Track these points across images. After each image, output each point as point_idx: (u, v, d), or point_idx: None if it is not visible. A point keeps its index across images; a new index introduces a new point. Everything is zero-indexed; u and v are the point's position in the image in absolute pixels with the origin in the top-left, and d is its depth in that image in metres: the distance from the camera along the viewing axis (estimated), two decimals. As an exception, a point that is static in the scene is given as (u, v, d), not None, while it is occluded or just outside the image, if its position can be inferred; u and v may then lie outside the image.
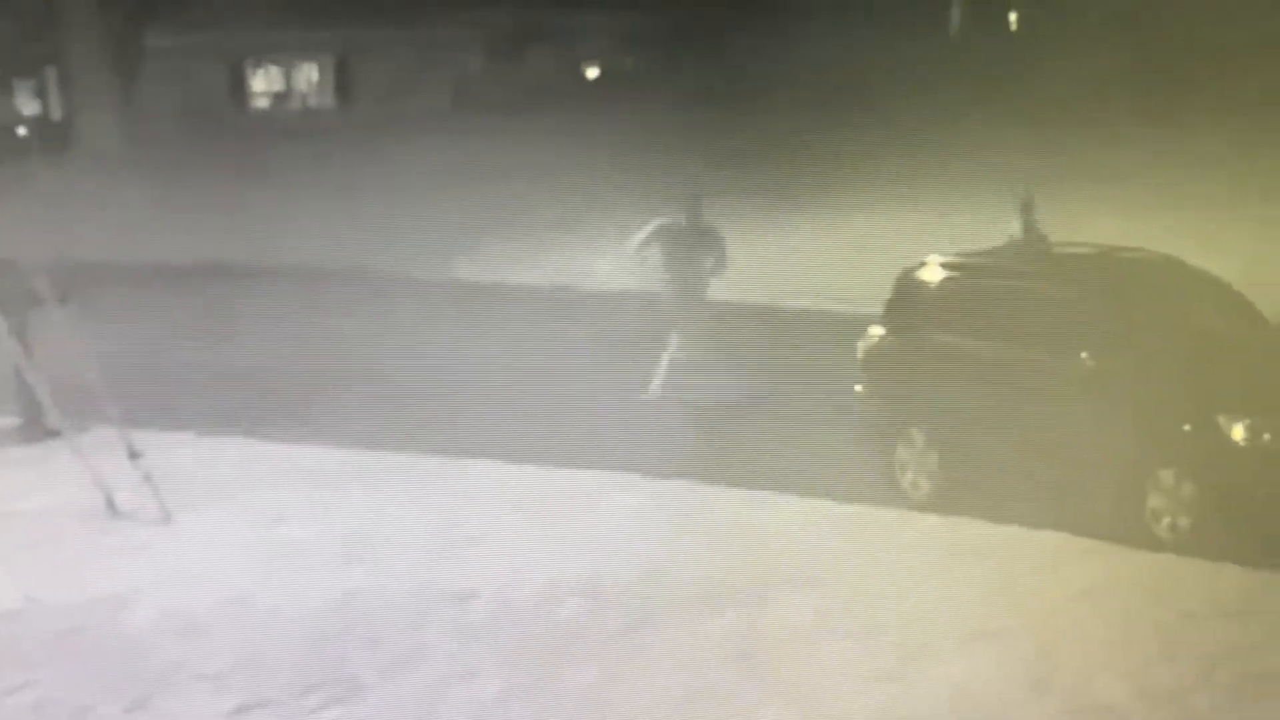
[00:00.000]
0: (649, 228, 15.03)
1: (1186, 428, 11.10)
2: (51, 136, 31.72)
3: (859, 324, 13.29)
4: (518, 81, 33.51)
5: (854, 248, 19.66)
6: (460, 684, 8.94)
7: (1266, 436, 10.91)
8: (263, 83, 38.18)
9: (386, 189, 24.84)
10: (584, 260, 20.25)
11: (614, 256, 20.43)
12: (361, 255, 20.76)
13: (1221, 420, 10.99)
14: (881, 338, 12.89)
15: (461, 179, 25.09)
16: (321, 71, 37.90)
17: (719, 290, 18.27)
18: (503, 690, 8.85)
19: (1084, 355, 11.53)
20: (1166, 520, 11.05)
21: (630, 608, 9.83)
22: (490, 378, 14.80)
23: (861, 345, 12.98)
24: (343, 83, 37.61)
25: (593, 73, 35.05)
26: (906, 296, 12.85)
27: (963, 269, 12.66)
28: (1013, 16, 30.06)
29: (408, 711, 8.70)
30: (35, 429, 13.36)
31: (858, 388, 12.86)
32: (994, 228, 15.33)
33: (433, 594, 10.13)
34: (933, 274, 12.73)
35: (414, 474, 12.43)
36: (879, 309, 13.07)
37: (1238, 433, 10.95)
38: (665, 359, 14.82)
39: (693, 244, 15.08)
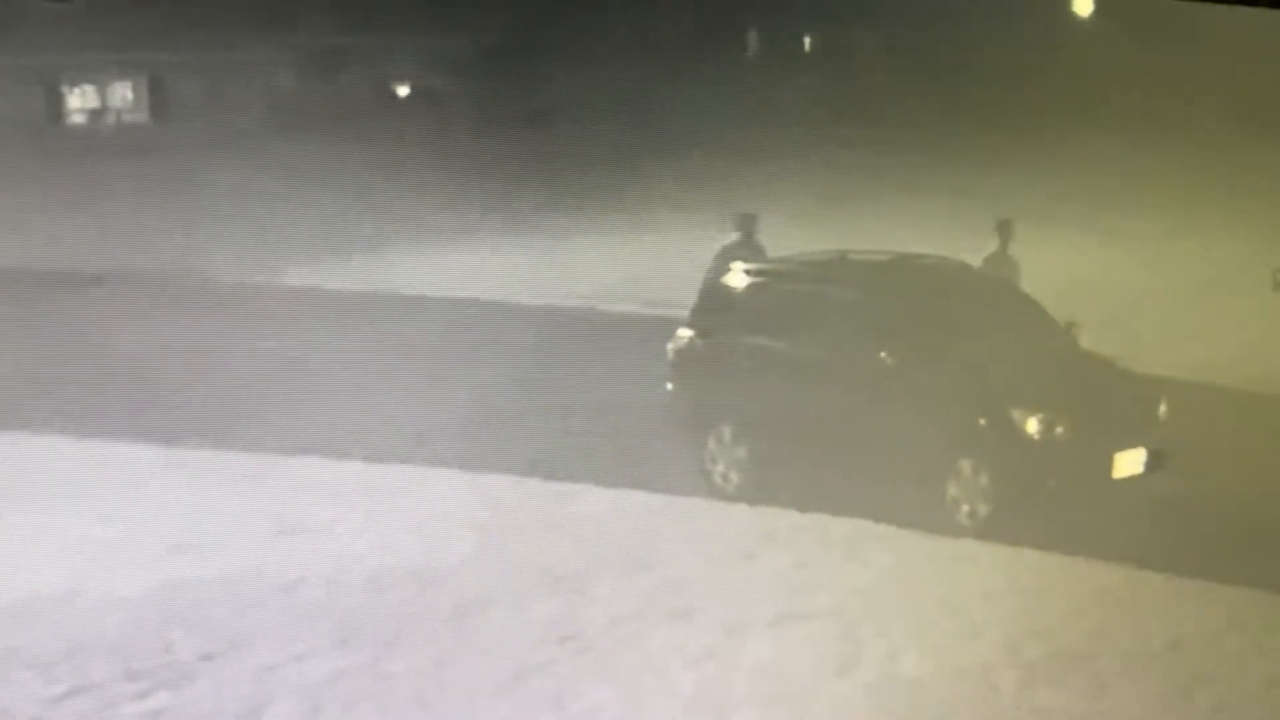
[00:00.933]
0: (717, 253, 14.18)
1: (982, 421, 11.21)
2: None
3: (669, 326, 13.15)
4: (329, 101, 32.97)
5: (664, 256, 19.75)
6: (289, 668, 8.66)
7: (1059, 429, 11.08)
8: (79, 101, 36.99)
9: (205, 201, 24.19)
10: (402, 268, 19.95)
11: (429, 264, 20.21)
12: (185, 263, 20.15)
13: (1015, 414, 11.12)
14: (690, 339, 12.82)
15: (276, 193, 24.54)
16: (136, 90, 36.84)
17: (545, 297, 18.26)
18: (333, 673, 8.60)
19: (883, 355, 11.58)
20: (966, 508, 11.13)
21: (457, 594, 9.65)
22: (314, 378, 14.44)
23: (671, 347, 12.89)
24: (157, 101, 36.57)
25: (403, 92, 34.63)
26: (713, 301, 12.84)
27: (766, 274, 12.69)
28: (806, 40, 30.49)
29: (236, 695, 8.40)
30: None
31: (669, 386, 12.78)
32: (796, 236, 15.47)
33: (260, 582, 9.82)
34: (738, 280, 12.74)
35: (239, 470, 12.07)
36: (687, 312, 12.95)
37: (1031, 426, 11.08)
38: None
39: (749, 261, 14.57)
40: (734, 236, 14.04)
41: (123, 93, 36.91)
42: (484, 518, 11.00)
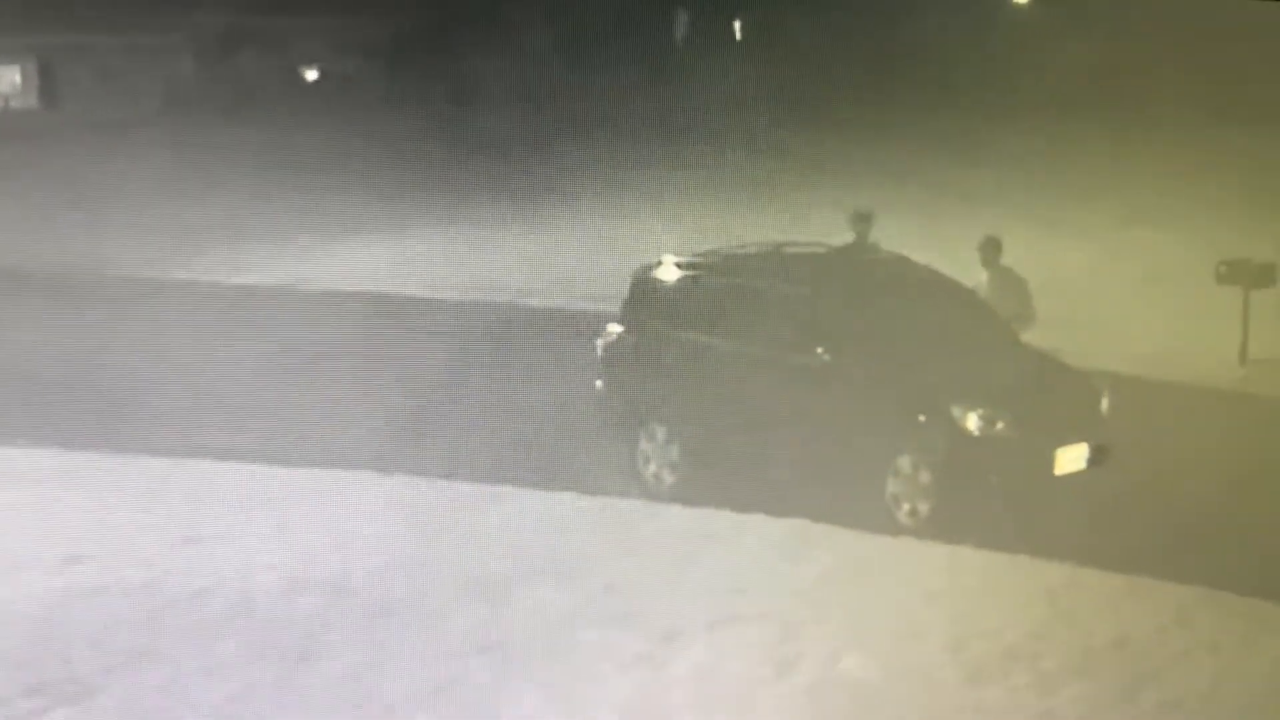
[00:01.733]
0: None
1: (921, 418, 11.37)
2: None
3: (598, 322, 13.23)
4: (231, 85, 32.73)
5: (590, 248, 19.69)
6: (197, 682, 8.61)
7: (999, 425, 11.26)
8: (-38, 85, 36.48)
9: (98, 191, 23.89)
10: (312, 261, 19.77)
11: (341, 256, 20.03)
12: (78, 257, 19.91)
13: (955, 411, 11.29)
14: (620, 335, 12.90)
15: (173, 183, 24.25)
16: (25, 75, 36.43)
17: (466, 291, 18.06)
18: (243, 687, 8.57)
19: (820, 350, 11.72)
20: (906, 506, 11.30)
21: (374, 602, 9.64)
22: (218, 377, 14.24)
23: (600, 342, 12.98)
24: (47, 86, 36.19)
25: (311, 76, 34.39)
26: (643, 295, 12.88)
27: (698, 268, 12.76)
28: (737, 25, 30.63)
29: (141, 711, 8.34)
30: None
31: (598, 384, 12.87)
32: (725, 228, 15.56)
33: (164, 593, 9.74)
34: (669, 273, 12.81)
35: (140, 475, 11.92)
36: (617, 306, 13.03)
37: (971, 422, 11.26)
38: None
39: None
40: (851, 238, 13.66)
41: (10, 77, 36.52)
42: (402, 522, 10.95)
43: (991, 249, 13.29)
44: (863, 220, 13.66)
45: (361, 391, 14.07)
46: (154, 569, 10.08)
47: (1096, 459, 11.50)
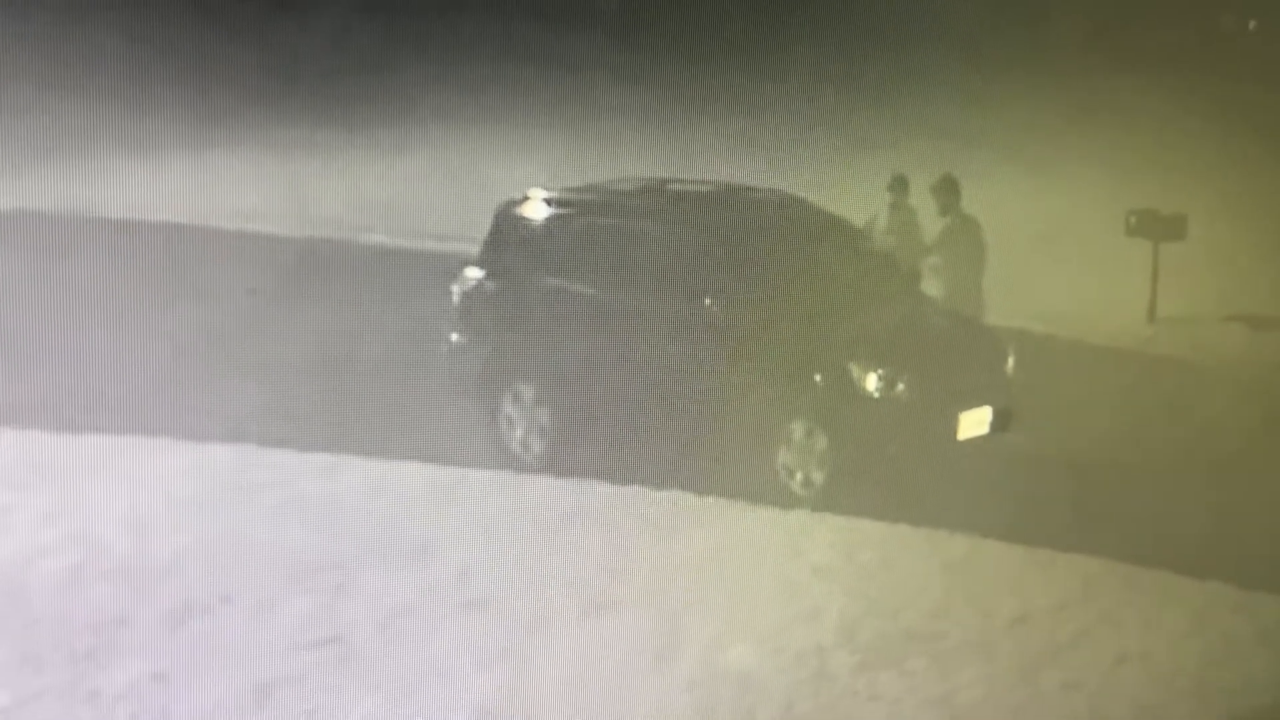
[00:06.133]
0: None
1: (817, 378, 12.03)
2: None
3: (452, 264, 13.67)
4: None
5: (443, 178, 19.94)
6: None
7: (900, 386, 11.96)
8: None
9: None
10: (98, 185, 18.70)
11: (136, 181, 19.66)
12: None
13: (854, 370, 11.99)
14: (480, 281, 13.22)
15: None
16: None
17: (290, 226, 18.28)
18: (18, 700, 8.64)
19: (707, 301, 12.28)
20: (799, 475, 11.96)
21: (179, 592, 9.75)
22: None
23: (457, 289, 13.30)
24: None
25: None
26: (507, 235, 13.22)
27: (571, 205, 13.14)
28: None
29: None
30: None
31: (454, 337, 13.22)
32: (601, 160, 15.92)
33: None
34: (537, 210, 13.16)
35: None
36: (476, 248, 13.48)
37: (870, 382, 11.96)
38: None
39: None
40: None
41: None
42: (212, 498, 11.10)
43: (950, 192, 13.93)
44: (898, 184, 14.20)
45: (163, 341, 13.92)
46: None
47: (1000, 423, 12.27)
